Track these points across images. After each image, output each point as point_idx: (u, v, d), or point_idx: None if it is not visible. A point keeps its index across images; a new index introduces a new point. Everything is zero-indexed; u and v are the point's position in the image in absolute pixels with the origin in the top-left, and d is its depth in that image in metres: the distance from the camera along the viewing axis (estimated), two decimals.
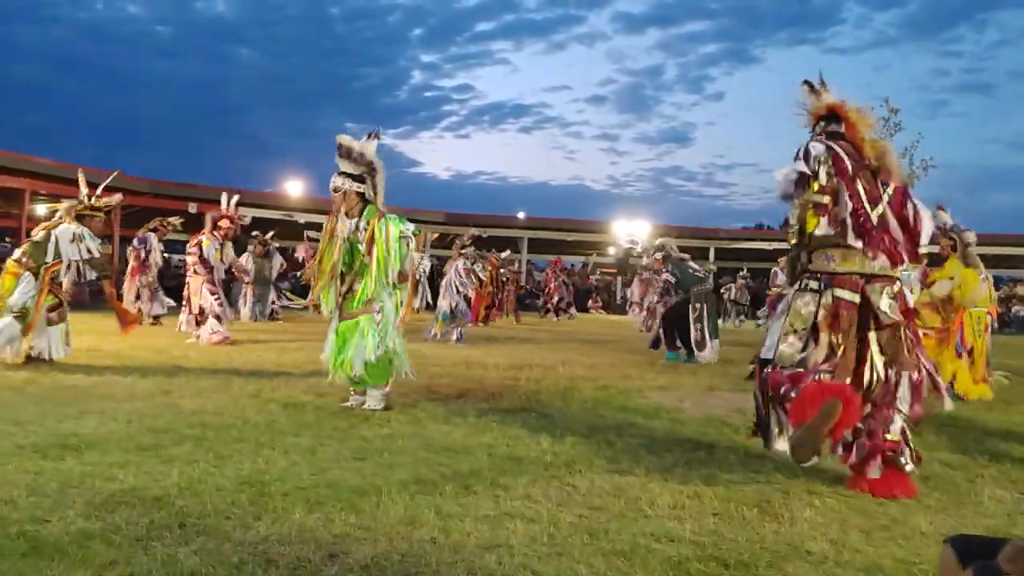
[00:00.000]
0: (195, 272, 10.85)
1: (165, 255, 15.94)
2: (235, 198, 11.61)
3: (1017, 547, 1.59)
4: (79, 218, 7.70)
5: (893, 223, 3.95)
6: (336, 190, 5.77)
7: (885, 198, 3.96)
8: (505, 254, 20.28)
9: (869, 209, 3.90)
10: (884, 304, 3.87)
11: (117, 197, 8.60)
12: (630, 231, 30.70)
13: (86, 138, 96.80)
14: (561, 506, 3.45)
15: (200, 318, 10.56)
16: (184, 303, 11.27)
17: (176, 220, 14.55)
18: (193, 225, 20.96)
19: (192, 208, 21.50)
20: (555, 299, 23.47)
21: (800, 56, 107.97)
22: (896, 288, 3.97)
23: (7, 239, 23.50)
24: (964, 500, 3.85)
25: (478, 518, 3.22)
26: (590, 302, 29.97)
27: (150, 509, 3.15)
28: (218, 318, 10.54)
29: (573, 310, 24.29)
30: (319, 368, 5.76)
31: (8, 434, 4.36)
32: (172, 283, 16.73)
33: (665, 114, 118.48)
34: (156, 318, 13.34)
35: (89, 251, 7.54)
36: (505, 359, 9.70)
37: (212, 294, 10.67)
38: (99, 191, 8.00)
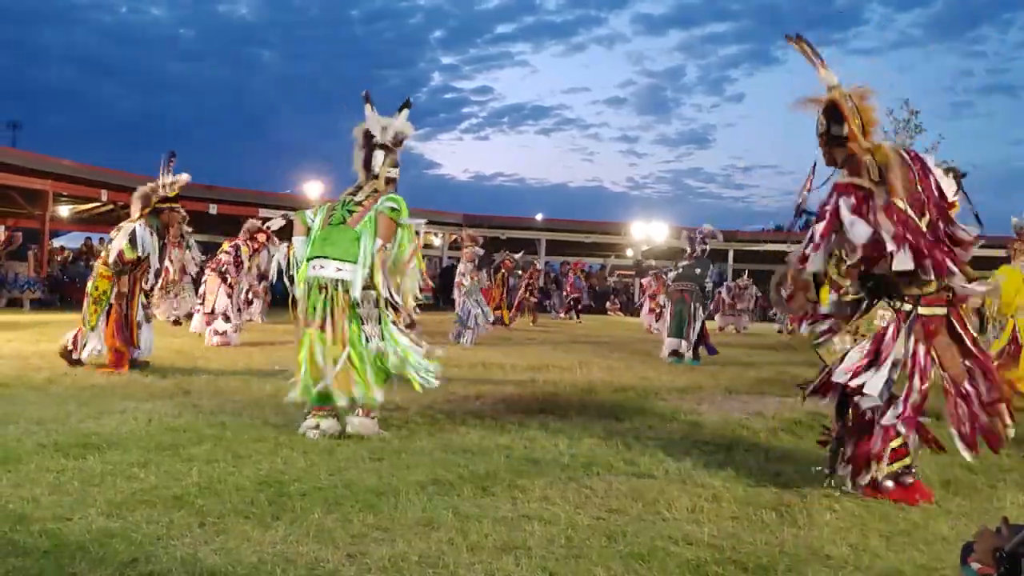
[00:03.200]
0: (216, 273, 10.97)
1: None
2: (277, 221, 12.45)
3: (983, 531, 1.63)
4: (155, 213, 7.61)
5: None
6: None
7: None
8: (519, 255, 20.24)
9: None
10: None
11: (184, 177, 8.06)
12: (647, 234, 30.62)
13: (109, 140, 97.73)
14: (579, 508, 3.44)
15: (211, 317, 10.68)
16: (199, 303, 11.36)
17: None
18: (213, 227, 21.20)
19: (212, 209, 21.66)
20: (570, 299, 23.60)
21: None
22: None
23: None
24: (986, 505, 3.81)
25: (496, 519, 3.21)
26: (608, 304, 29.93)
27: (170, 508, 3.17)
28: (227, 319, 10.65)
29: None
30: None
31: (30, 433, 4.40)
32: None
33: (685, 116, 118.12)
34: (176, 321, 13.43)
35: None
36: (522, 361, 9.70)
37: (228, 296, 10.79)
38: (169, 179, 7.75)
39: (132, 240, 7.34)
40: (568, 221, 34.60)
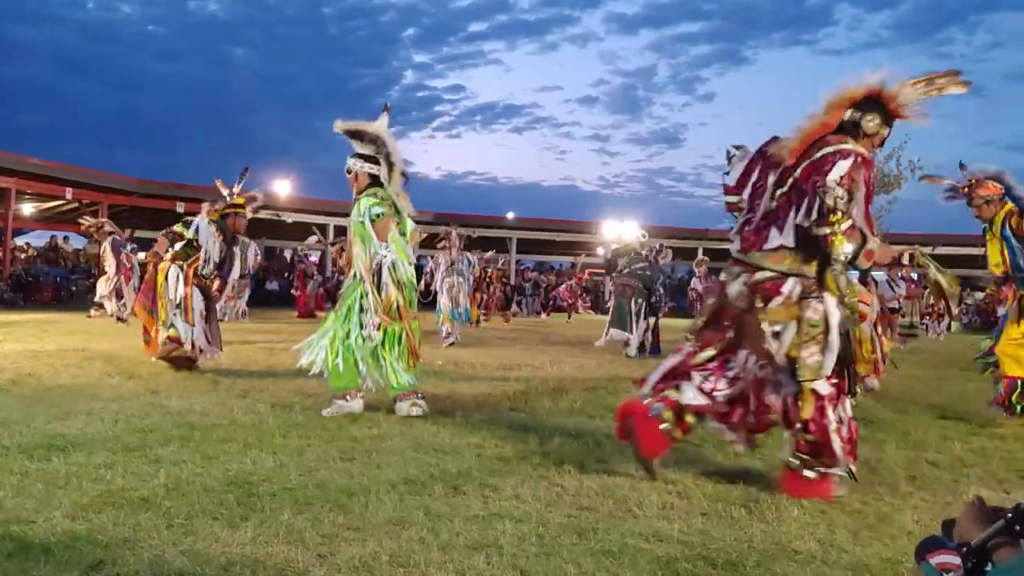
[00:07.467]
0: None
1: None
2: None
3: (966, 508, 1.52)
4: (223, 217, 7.84)
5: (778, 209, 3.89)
6: (348, 171, 5.59)
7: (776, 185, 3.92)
8: (489, 254, 20.37)
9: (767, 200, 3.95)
10: (732, 289, 4.00)
11: (260, 197, 8.76)
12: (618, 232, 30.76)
13: (83, 138, 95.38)
14: (550, 506, 3.45)
15: None
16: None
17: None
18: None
19: (180, 207, 21.44)
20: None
21: (792, 57, 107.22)
22: (756, 278, 3.89)
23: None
24: (950, 499, 3.87)
25: (467, 518, 3.21)
26: (580, 303, 30.02)
27: (137, 510, 3.14)
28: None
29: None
30: (308, 368, 5.66)
31: None
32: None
33: (656, 115, 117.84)
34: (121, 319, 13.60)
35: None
36: (493, 360, 9.70)
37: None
38: (237, 189, 8.09)
39: (188, 224, 7.81)
40: (539, 220, 34.69)
